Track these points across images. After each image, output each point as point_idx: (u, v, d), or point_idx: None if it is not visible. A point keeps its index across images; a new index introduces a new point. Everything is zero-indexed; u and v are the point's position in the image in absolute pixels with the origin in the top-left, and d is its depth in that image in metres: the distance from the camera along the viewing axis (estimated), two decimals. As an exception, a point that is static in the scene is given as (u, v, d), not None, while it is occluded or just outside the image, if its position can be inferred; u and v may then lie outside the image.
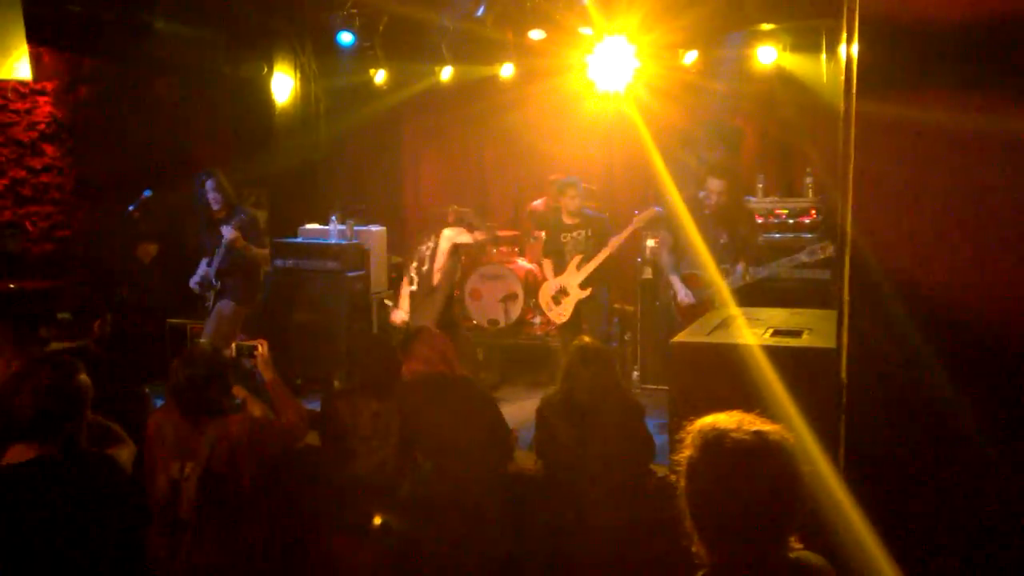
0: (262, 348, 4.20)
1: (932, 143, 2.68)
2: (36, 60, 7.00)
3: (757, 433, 1.96)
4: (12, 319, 3.96)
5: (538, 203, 8.81)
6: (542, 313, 7.07)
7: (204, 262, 6.29)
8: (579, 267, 6.60)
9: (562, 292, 6.67)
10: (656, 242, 6.30)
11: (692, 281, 5.90)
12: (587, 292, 6.58)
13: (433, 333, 4.41)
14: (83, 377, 2.89)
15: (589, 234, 6.64)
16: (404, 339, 4.53)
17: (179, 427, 3.72)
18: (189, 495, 3.61)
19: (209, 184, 6.11)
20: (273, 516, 3.69)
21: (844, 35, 2.99)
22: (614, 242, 6.46)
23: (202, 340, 3.99)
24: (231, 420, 3.71)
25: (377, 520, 4.01)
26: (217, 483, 3.62)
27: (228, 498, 3.66)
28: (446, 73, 8.67)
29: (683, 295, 5.84)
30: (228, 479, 3.64)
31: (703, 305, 5.75)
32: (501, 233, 8.88)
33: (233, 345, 4.32)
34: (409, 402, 4.22)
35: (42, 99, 7.53)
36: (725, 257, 5.76)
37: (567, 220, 6.71)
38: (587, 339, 4.21)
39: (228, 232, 5.95)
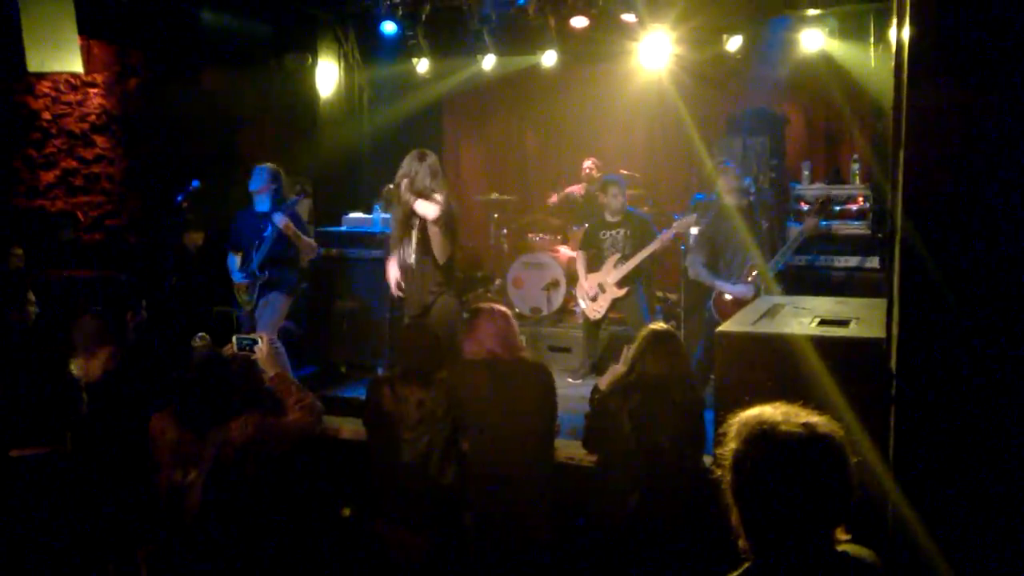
0: (263, 343, 3.93)
1: (986, 129, 2.62)
2: (87, 52, 7.12)
3: (804, 425, 1.94)
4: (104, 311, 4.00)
5: (575, 188, 8.81)
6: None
7: (233, 259, 6.33)
8: (616, 266, 6.60)
9: (599, 289, 6.68)
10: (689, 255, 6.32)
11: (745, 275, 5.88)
12: (623, 291, 6.59)
13: (497, 311, 4.31)
14: None
15: (628, 233, 6.65)
16: (468, 316, 4.46)
17: (182, 431, 3.53)
18: (193, 503, 3.41)
19: (267, 175, 6.13)
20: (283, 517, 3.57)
21: (895, 19, 2.93)
22: (653, 246, 6.50)
23: (198, 343, 3.89)
24: (234, 424, 3.50)
25: (346, 512, 3.94)
26: (223, 489, 3.43)
27: (235, 504, 3.47)
28: (488, 61, 8.66)
29: (742, 290, 5.76)
30: (234, 485, 3.45)
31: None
32: (543, 221, 8.90)
33: (233, 339, 4.04)
34: (462, 384, 4.22)
35: (93, 91, 7.66)
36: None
37: (609, 218, 6.73)
38: (661, 324, 4.18)
39: (280, 219, 5.98)
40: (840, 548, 1.94)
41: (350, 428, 4.90)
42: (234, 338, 4.05)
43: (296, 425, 3.76)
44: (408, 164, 5.58)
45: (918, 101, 2.71)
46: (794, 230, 6.15)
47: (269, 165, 6.21)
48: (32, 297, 6.17)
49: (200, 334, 4.19)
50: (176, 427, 3.54)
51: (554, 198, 8.98)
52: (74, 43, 6.20)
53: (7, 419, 2.68)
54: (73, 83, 7.45)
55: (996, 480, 2.64)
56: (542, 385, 4.24)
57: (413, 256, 5.59)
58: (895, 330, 2.86)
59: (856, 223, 6.74)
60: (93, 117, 7.68)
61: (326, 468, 4.80)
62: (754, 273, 5.78)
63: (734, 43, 7.72)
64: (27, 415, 2.63)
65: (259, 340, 3.95)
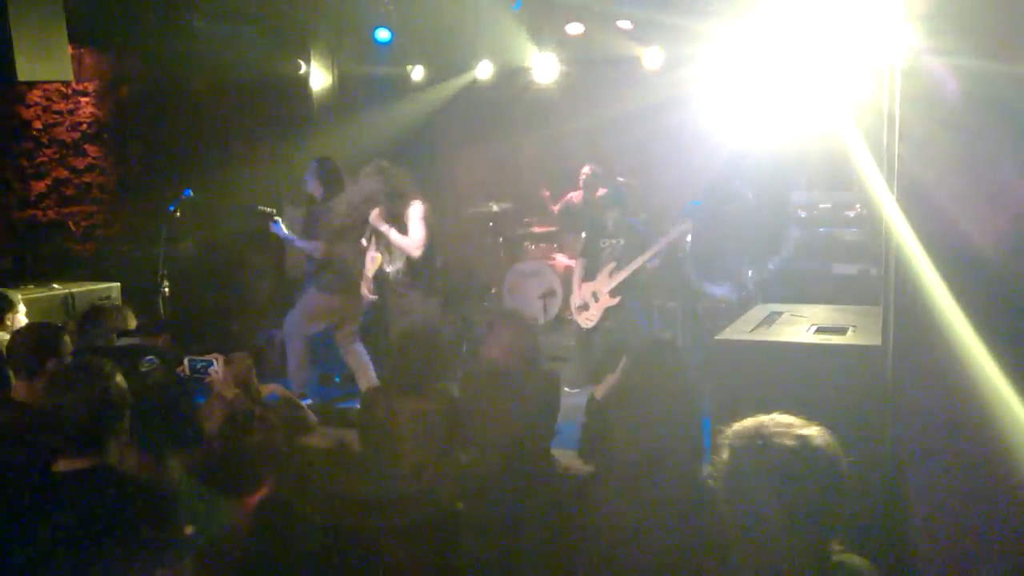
0: (219, 364, 3.71)
1: (982, 137, 2.60)
2: (77, 61, 7.09)
3: (799, 436, 1.95)
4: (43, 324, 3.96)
5: (573, 195, 8.79)
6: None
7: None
8: (611, 275, 6.59)
9: (593, 298, 6.67)
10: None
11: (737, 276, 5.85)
12: (616, 300, 6.57)
13: (513, 319, 4.25)
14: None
15: (625, 243, 6.64)
16: (491, 320, 4.41)
17: (142, 458, 3.34)
18: None
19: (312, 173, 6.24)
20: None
21: (888, 24, 2.91)
22: (646, 255, 6.48)
23: (147, 367, 3.76)
24: (196, 449, 3.39)
25: None
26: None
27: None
28: (483, 68, 8.64)
29: (726, 291, 5.75)
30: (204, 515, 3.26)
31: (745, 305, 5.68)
32: (539, 230, 8.87)
33: (185, 361, 3.81)
34: (464, 393, 4.18)
35: (84, 99, 7.62)
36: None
37: (609, 225, 6.71)
38: (659, 333, 4.15)
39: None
40: (836, 558, 1.94)
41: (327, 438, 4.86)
42: (186, 360, 3.83)
43: (262, 445, 3.59)
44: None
45: (914, 109, 2.69)
46: (791, 233, 6.11)
47: (315, 161, 6.27)
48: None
49: (149, 358, 4.09)
50: (136, 454, 3.39)
51: (557, 207, 8.97)
52: (65, 51, 6.16)
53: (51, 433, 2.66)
54: (64, 92, 7.41)
55: (994, 489, 2.61)
56: (545, 397, 4.19)
57: (388, 265, 5.68)
58: (892, 337, 2.83)
59: (853, 230, 6.71)
60: (84, 126, 7.64)
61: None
62: (745, 275, 5.77)
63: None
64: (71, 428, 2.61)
65: (214, 362, 3.76)
